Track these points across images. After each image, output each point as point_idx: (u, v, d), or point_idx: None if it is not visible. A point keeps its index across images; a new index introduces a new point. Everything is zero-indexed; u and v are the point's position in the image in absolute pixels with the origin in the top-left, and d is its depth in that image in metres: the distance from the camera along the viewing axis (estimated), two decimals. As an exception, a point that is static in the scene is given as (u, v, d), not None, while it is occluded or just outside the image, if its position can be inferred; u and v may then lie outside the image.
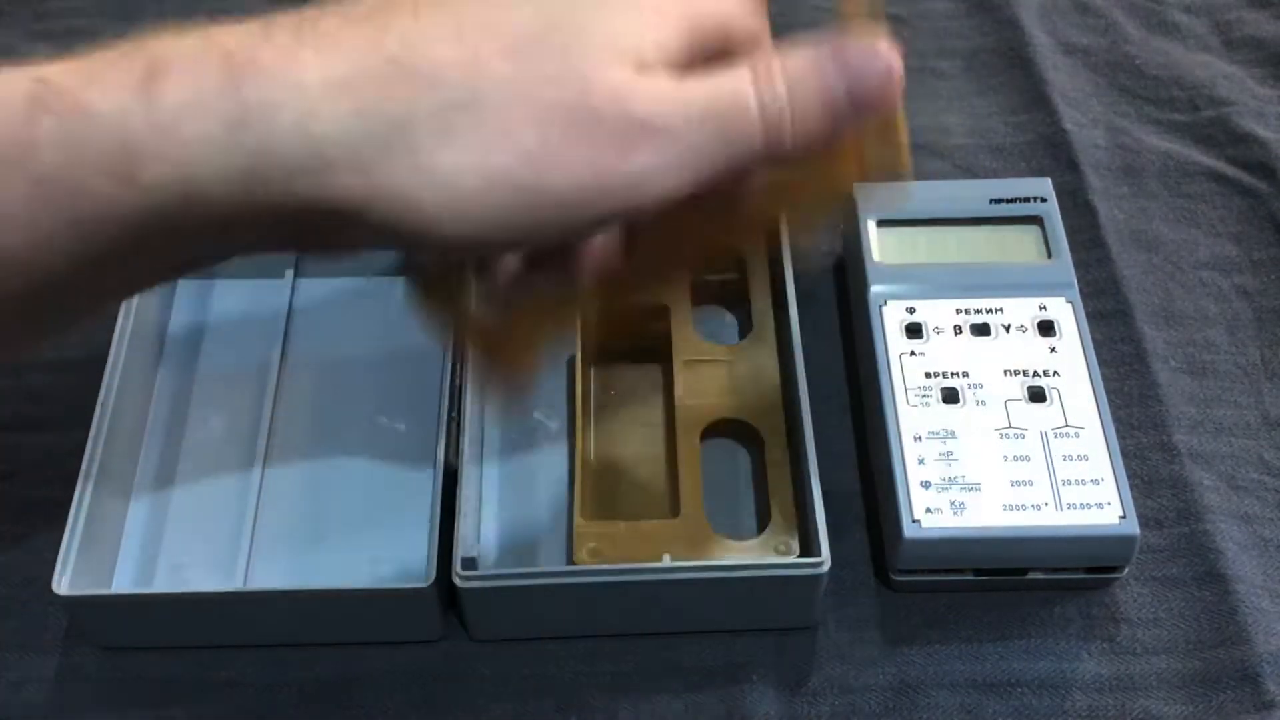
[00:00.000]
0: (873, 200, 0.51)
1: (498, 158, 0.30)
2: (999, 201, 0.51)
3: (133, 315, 0.48)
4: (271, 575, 0.45)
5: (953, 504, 0.43)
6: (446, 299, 0.42)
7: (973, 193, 0.51)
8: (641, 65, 0.31)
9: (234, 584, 0.45)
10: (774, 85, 0.32)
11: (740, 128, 0.32)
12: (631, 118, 0.31)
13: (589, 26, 0.31)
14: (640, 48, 0.31)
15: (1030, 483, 0.44)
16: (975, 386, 0.46)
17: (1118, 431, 0.46)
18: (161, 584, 0.46)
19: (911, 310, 0.48)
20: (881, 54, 0.32)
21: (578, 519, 0.45)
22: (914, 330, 0.48)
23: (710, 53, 0.33)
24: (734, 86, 0.32)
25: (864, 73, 0.32)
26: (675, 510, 0.45)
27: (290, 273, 0.53)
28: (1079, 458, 0.44)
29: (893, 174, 0.36)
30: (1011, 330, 0.48)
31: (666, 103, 0.31)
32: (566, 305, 0.42)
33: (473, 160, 0.30)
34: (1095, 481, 0.44)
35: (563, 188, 0.31)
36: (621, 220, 0.33)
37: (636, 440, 0.48)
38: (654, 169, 0.31)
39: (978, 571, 0.44)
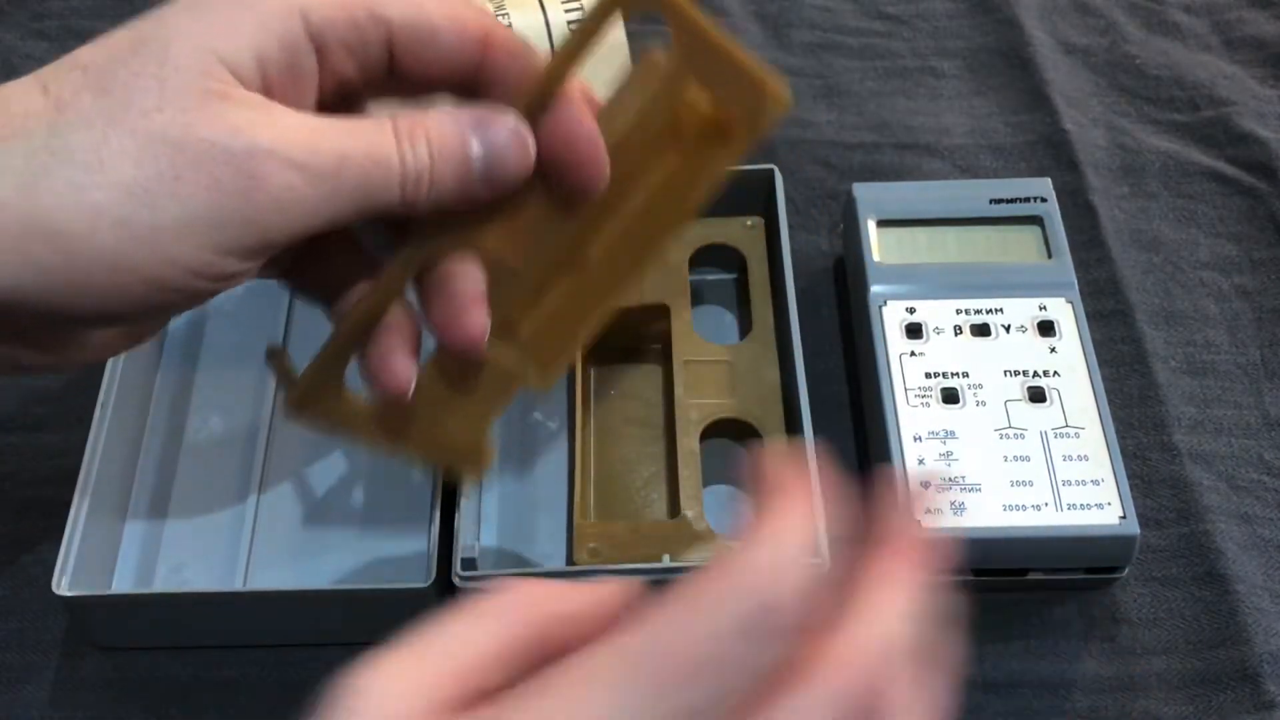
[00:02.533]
0: (873, 200, 0.51)
1: (92, 194, 0.29)
2: (999, 201, 0.51)
3: (133, 315, 0.48)
4: (271, 575, 0.45)
5: (952, 504, 0.43)
6: (332, 407, 0.38)
7: (973, 193, 0.51)
8: (240, 76, 0.31)
9: (234, 584, 0.45)
10: (417, 147, 0.32)
11: (379, 181, 0.31)
12: (253, 149, 0.30)
13: (180, 34, 0.31)
14: (236, 56, 0.31)
15: (1030, 483, 0.44)
16: (975, 387, 0.46)
17: (1117, 431, 0.46)
18: (161, 584, 0.46)
19: (911, 310, 0.48)
20: (519, 133, 0.33)
21: (578, 519, 0.45)
22: (914, 330, 0.48)
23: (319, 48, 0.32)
24: (377, 139, 0.31)
25: (502, 149, 0.32)
26: (675, 510, 0.45)
27: (290, 273, 0.53)
28: (1079, 458, 0.44)
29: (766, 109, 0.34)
30: (1011, 330, 0.48)
31: (297, 137, 0.30)
32: (484, 383, 0.39)
33: (66, 200, 0.29)
34: (1095, 482, 0.43)
35: (175, 222, 0.30)
36: (254, 256, 0.31)
37: (636, 440, 0.48)
38: (281, 204, 0.30)
39: (977, 572, 0.44)
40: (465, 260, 0.35)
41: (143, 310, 0.31)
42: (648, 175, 0.36)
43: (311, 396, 0.38)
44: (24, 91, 0.30)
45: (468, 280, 0.35)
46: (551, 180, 0.34)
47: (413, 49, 0.33)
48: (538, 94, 0.33)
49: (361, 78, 0.33)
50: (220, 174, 0.30)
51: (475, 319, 0.35)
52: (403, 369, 0.35)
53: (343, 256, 0.36)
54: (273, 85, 0.31)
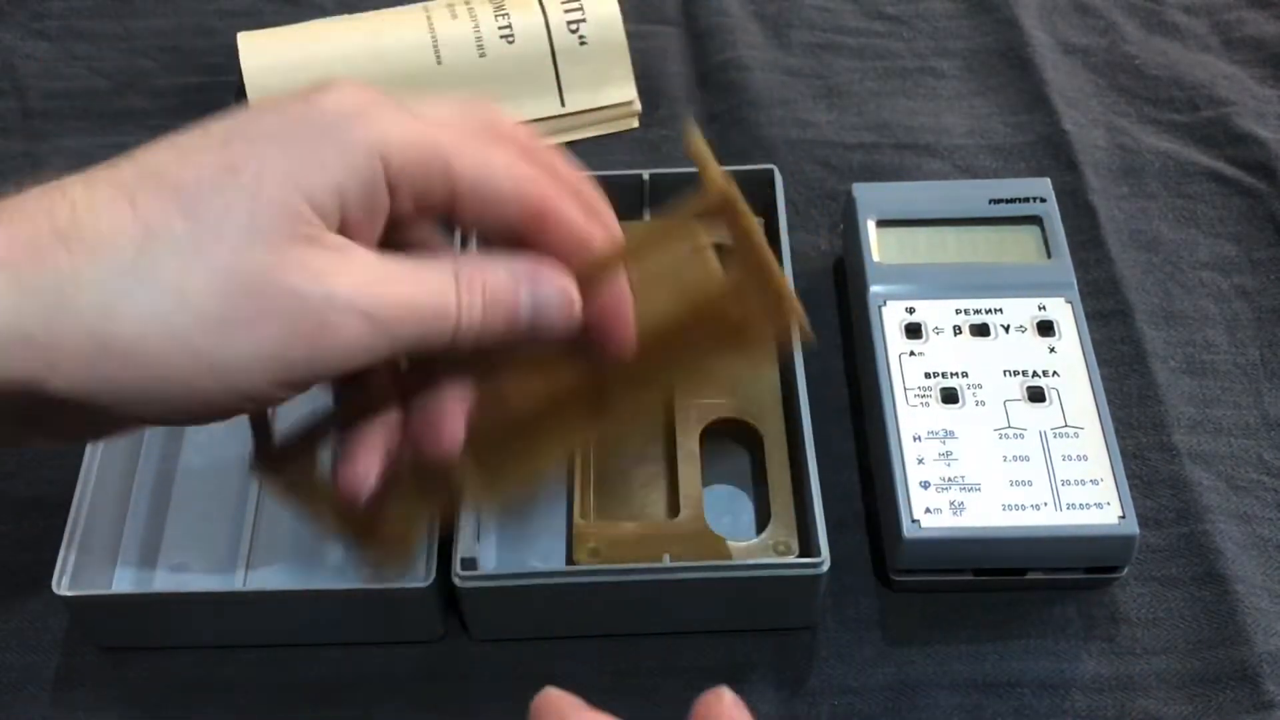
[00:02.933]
0: (872, 200, 0.51)
1: (176, 318, 0.30)
2: (998, 201, 0.51)
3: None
4: (271, 575, 0.45)
5: (952, 504, 0.43)
6: (296, 478, 0.39)
7: (972, 193, 0.51)
8: (321, 212, 0.31)
9: (234, 584, 0.45)
10: (474, 298, 0.33)
11: (436, 326, 0.32)
12: (331, 299, 0.31)
13: (270, 168, 0.31)
14: (322, 193, 0.31)
15: (1030, 483, 0.44)
16: (974, 387, 0.46)
17: (1117, 431, 0.46)
18: (161, 584, 0.46)
19: (911, 310, 0.48)
20: (568, 292, 0.34)
21: (578, 519, 0.45)
22: (914, 330, 0.48)
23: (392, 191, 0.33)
24: (439, 289, 0.32)
25: (551, 307, 0.34)
26: (675, 510, 0.45)
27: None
28: (1078, 458, 0.44)
29: (790, 333, 0.37)
30: (1011, 330, 0.48)
31: (368, 287, 0.31)
32: (436, 489, 0.39)
33: (145, 325, 0.30)
34: (1095, 481, 0.43)
35: (246, 358, 0.30)
36: (305, 387, 0.33)
37: (636, 440, 0.48)
38: (347, 349, 0.31)
39: (977, 572, 0.44)
40: (457, 371, 0.36)
41: (187, 419, 0.32)
42: (664, 357, 0.38)
43: (284, 461, 0.39)
44: (110, 202, 0.30)
45: (455, 392, 0.36)
46: (579, 339, 0.36)
47: (474, 205, 0.33)
48: (591, 267, 0.35)
49: (417, 215, 0.34)
50: (295, 320, 0.30)
51: (452, 431, 0.35)
52: (367, 469, 0.36)
53: None
54: (349, 221, 0.32)
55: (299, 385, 0.32)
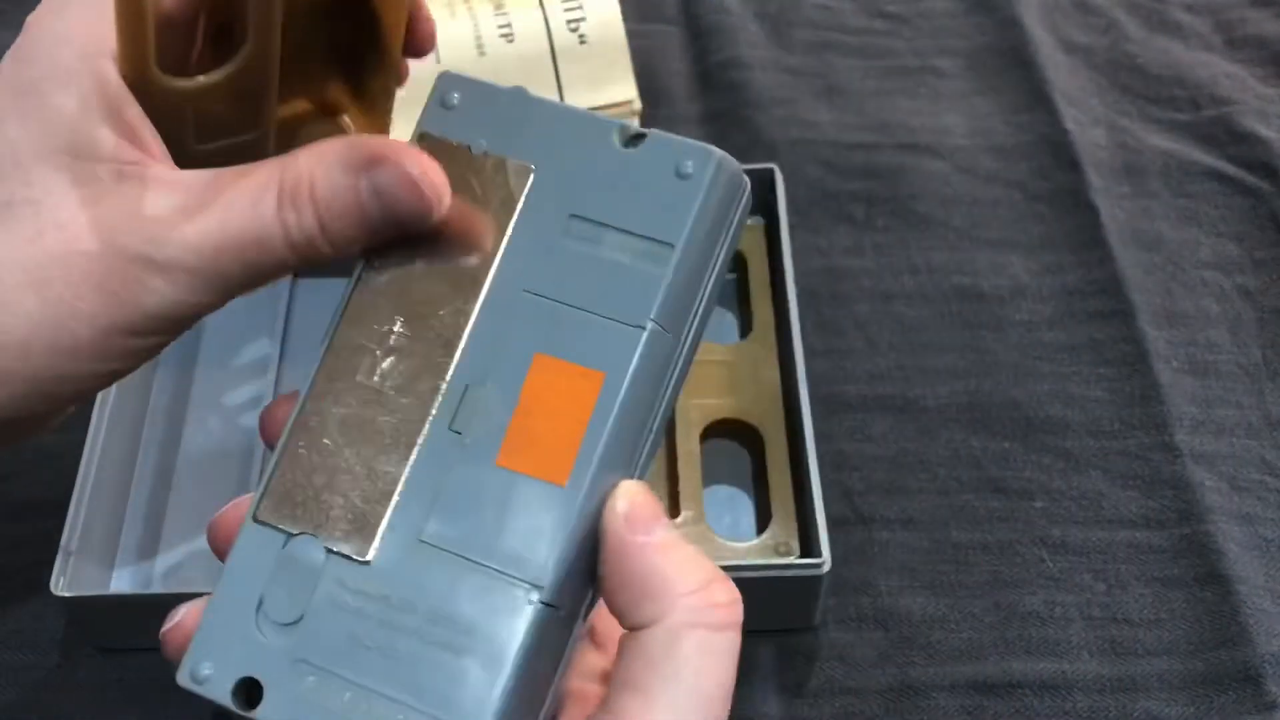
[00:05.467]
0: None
1: (15, 334, 0.29)
2: None
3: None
4: (270, 576, 0.45)
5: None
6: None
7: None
8: (96, 150, 0.29)
9: (233, 584, 0.44)
10: (304, 214, 0.29)
11: (265, 255, 0.29)
12: (133, 259, 0.29)
13: (25, 138, 0.29)
14: (83, 138, 0.29)
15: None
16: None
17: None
18: (160, 584, 0.46)
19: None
20: (418, 174, 0.29)
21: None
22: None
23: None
24: (253, 215, 0.29)
25: (399, 196, 0.29)
26: (675, 510, 0.45)
27: (289, 272, 0.53)
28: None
29: None
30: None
31: (171, 233, 0.29)
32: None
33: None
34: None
35: (91, 331, 0.29)
36: (161, 331, 0.30)
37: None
38: (169, 301, 0.29)
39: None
40: None
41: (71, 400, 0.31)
42: None
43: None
44: None
45: None
46: None
47: None
48: None
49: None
50: (112, 285, 0.29)
51: None
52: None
53: None
54: (132, 127, 0.30)
55: (149, 332, 0.30)
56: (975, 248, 0.55)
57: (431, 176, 0.29)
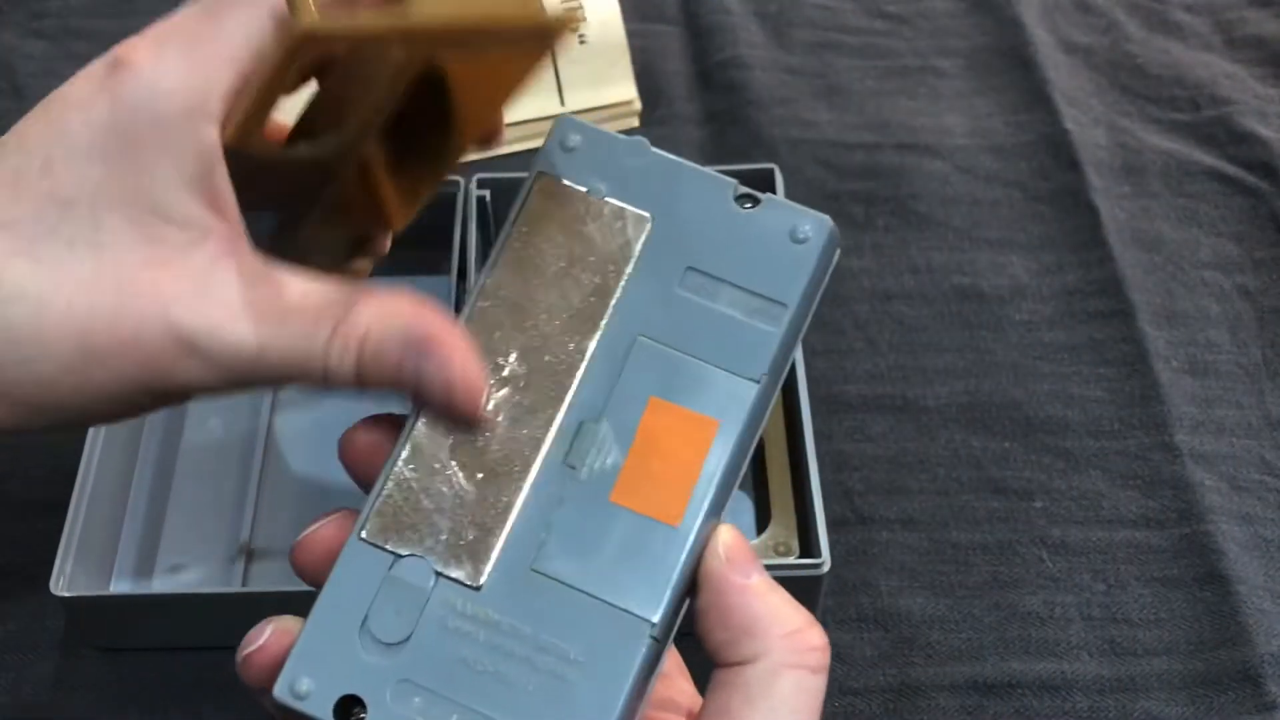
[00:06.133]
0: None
1: (38, 366, 0.29)
2: None
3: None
4: (270, 575, 0.45)
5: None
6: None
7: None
8: (177, 217, 0.29)
9: (233, 584, 0.44)
10: (347, 355, 0.29)
11: (298, 373, 0.30)
12: (180, 338, 0.29)
13: (102, 195, 0.29)
14: (165, 204, 0.29)
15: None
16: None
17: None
18: (160, 585, 0.46)
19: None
20: (462, 380, 0.29)
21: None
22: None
23: None
24: (307, 342, 0.29)
25: (435, 389, 0.29)
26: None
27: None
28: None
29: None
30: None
31: (225, 332, 0.29)
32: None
33: (7, 373, 0.29)
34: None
35: (107, 392, 0.29)
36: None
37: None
38: (196, 381, 0.29)
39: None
40: None
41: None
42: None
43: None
44: None
45: None
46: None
47: None
48: None
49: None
50: (151, 351, 0.29)
51: None
52: None
53: None
54: (217, 193, 0.30)
55: (169, 399, 0.31)
56: (975, 248, 0.55)
57: (469, 381, 0.29)
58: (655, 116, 0.61)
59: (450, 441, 0.30)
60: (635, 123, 0.60)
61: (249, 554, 0.45)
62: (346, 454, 0.31)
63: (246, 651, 0.29)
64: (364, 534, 0.29)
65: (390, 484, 0.30)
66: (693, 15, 0.66)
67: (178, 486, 0.48)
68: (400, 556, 0.29)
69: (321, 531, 0.31)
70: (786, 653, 0.28)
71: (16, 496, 0.48)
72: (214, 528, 0.47)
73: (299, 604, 0.42)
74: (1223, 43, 0.63)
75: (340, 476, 0.51)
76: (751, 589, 0.28)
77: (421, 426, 0.30)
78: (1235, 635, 0.44)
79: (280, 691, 0.28)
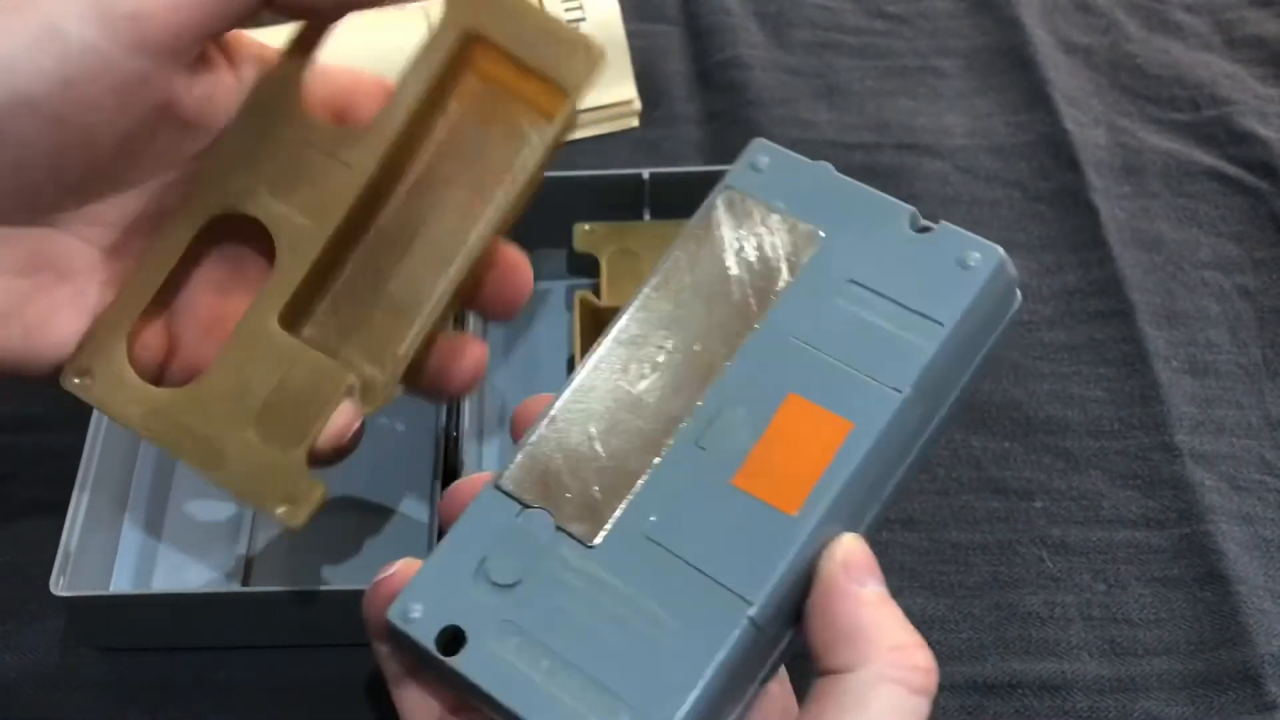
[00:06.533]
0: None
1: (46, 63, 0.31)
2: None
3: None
4: (271, 575, 0.45)
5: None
6: (102, 364, 0.36)
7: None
8: None
9: (233, 584, 0.44)
10: None
11: None
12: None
13: None
14: None
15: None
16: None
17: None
18: (160, 584, 0.45)
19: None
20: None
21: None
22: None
23: None
24: None
25: None
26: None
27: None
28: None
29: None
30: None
31: None
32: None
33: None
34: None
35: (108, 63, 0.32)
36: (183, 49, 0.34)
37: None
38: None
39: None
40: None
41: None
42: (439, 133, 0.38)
43: (90, 358, 0.35)
44: None
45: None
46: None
47: None
48: None
49: None
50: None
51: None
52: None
53: None
54: None
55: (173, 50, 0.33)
56: (975, 248, 0.55)
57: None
58: (655, 116, 0.61)
59: (598, 410, 0.31)
60: (635, 123, 0.60)
61: (249, 554, 0.45)
62: (519, 418, 0.33)
63: (378, 579, 0.31)
64: (500, 483, 0.31)
65: (533, 443, 0.31)
66: (692, 15, 0.66)
67: (178, 486, 0.48)
68: (528, 506, 0.30)
69: (472, 481, 0.32)
70: (888, 666, 0.27)
71: (16, 496, 0.48)
72: (214, 528, 0.47)
73: (299, 604, 0.42)
74: (1223, 43, 0.63)
75: (339, 473, 0.51)
76: (862, 597, 0.28)
77: (572, 395, 0.32)
78: (1235, 635, 0.44)
79: (393, 614, 0.30)
